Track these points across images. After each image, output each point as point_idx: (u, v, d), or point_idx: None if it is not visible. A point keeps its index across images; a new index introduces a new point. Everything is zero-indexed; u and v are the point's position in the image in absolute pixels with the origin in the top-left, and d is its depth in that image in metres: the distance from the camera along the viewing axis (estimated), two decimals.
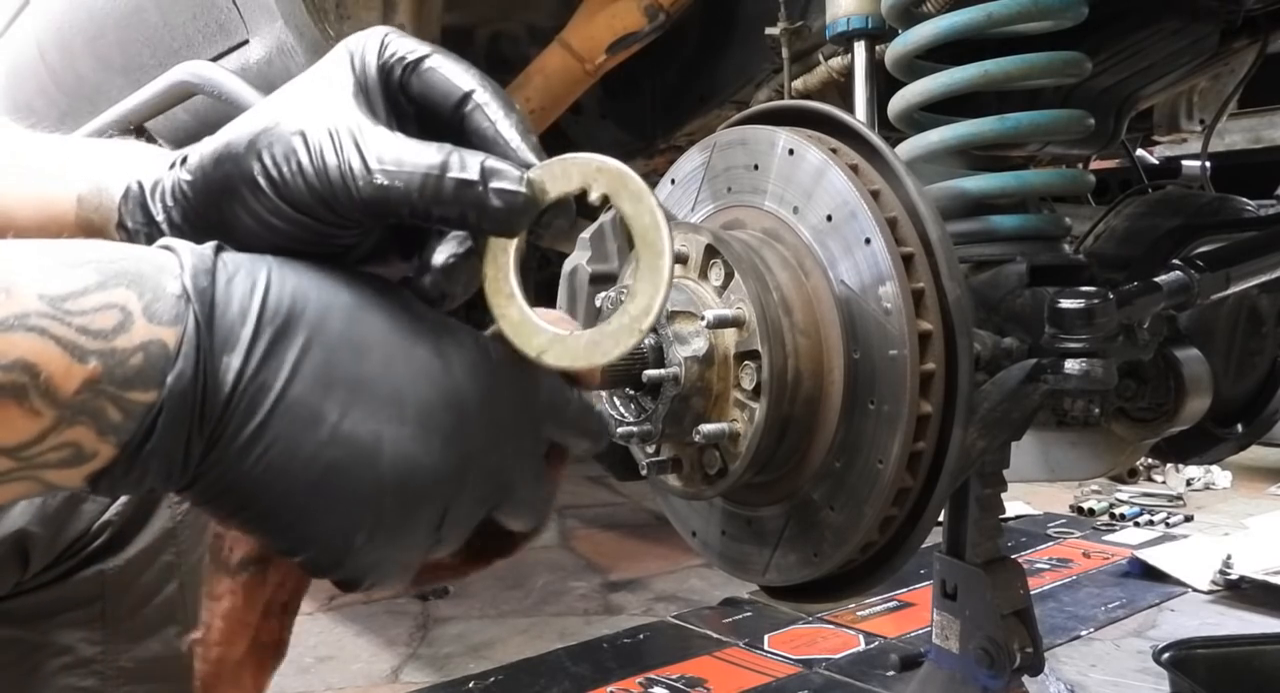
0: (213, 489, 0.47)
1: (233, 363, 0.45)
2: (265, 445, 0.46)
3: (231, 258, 0.48)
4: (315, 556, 0.49)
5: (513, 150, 0.52)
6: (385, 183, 0.49)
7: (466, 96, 0.53)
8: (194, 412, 0.45)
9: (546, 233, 0.54)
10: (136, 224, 0.54)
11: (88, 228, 0.57)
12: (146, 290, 0.45)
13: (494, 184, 0.50)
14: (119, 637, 0.92)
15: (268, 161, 0.49)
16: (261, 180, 0.49)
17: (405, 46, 0.54)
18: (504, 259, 0.53)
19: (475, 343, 0.52)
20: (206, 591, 0.53)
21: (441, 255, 0.55)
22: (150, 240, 0.51)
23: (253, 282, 0.47)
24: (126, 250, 0.47)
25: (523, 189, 0.50)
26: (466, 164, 0.49)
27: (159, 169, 0.54)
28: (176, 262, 0.46)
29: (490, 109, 0.53)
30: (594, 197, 0.52)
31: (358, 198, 0.49)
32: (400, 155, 0.49)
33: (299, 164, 0.49)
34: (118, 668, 0.92)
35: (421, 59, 0.53)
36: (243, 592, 0.53)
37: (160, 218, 0.53)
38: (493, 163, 0.50)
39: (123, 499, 0.89)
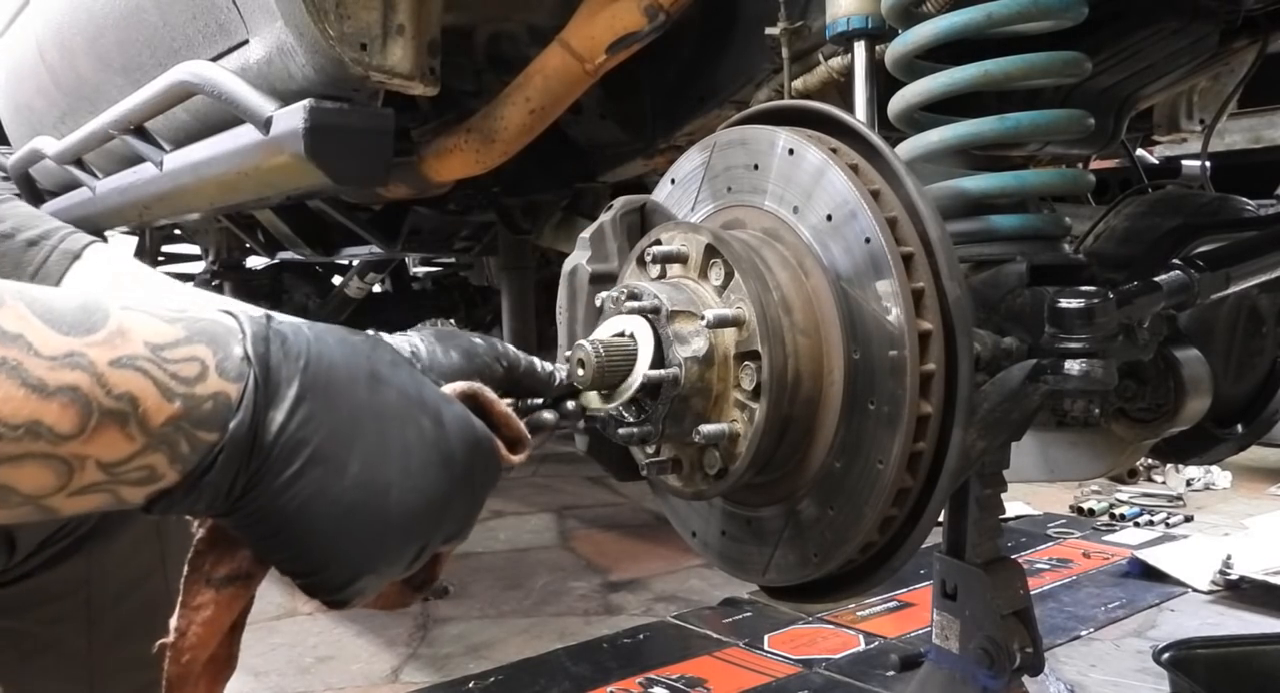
0: (249, 517, 0.57)
1: (277, 417, 0.56)
2: (298, 488, 0.56)
3: (279, 329, 0.59)
4: (323, 579, 0.59)
5: None
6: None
7: None
8: (245, 454, 0.55)
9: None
10: None
11: None
12: (219, 349, 0.56)
13: None
14: (106, 629, 0.93)
15: None
16: None
17: None
18: None
19: (464, 413, 0.66)
20: (183, 600, 0.59)
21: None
22: None
23: (297, 351, 0.58)
24: (204, 312, 0.59)
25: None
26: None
27: None
28: (239, 327, 0.58)
29: None
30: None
31: None
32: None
33: None
34: (108, 660, 0.92)
35: None
36: (224, 604, 0.59)
37: None
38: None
39: None
